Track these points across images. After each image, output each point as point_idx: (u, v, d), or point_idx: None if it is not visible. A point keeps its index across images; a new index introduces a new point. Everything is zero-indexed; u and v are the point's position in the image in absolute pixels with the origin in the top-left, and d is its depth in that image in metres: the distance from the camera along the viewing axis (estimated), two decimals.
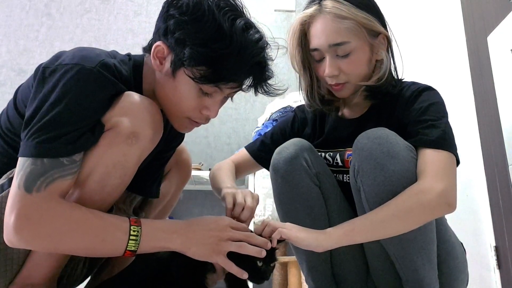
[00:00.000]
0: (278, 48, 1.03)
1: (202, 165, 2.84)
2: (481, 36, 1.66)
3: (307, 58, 1.14)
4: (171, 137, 1.20)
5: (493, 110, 1.55)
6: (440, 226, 0.99)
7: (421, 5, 2.13)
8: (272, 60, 0.98)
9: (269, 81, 0.99)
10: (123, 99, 0.87)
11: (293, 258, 2.07)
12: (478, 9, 1.71)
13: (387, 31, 1.11)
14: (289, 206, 1.07)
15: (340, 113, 1.24)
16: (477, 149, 1.69)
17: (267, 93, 1.01)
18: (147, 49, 1.00)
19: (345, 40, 1.04)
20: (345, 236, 0.92)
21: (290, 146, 1.07)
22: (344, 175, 1.14)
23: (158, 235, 0.89)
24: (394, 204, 0.89)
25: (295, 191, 1.05)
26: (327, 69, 1.07)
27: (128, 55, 1.02)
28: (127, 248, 0.84)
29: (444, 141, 0.96)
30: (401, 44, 2.16)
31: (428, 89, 1.08)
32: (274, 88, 1.01)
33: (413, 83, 1.13)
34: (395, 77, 1.16)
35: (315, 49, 1.09)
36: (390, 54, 1.13)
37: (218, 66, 0.89)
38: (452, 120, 1.02)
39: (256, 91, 1.00)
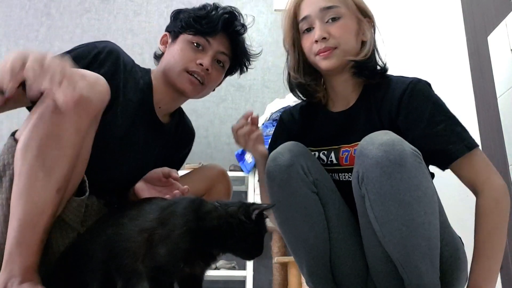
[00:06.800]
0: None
1: (202, 165, 2.84)
2: (481, 36, 1.66)
3: (298, 38, 1.20)
4: (178, 138, 1.36)
5: (493, 110, 1.55)
6: (444, 228, 0.98)
7: (421, 5, 2.13)
8: (241, 14, 1.31)
9: (244, 36, 1.32)
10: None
11: (293, 258, 2.07)
12: (478, 9, 1.71)
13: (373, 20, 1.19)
14: (286, 214, 1.06)
15: (327, 107, 1.23)
16: None
17: (245, 53, 1.33)
18: (156, 55, 1.36)
19: (336, 4, 1.12)
20: (494, 282, 0.99)
21: (285, 152, 1.06)
22: (340, 173, 1.13)
23: None
24: (496, 228, 1.00)
25: (292, 199, 1.04)
26: (316, 32, 1.11)
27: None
28: None
29: (469, 138, 1.03)
30: (402, 44, 2.16)
31: (419, 82, 1.09)
32: (252, 51, 1.35)
33: (400, 76, 1.15)
34: (381, 63, 1.19)
35: (305, 18, 1.14)
36: (374, 40, 1.18)
37: (202, 22, 1.24)
38: None
39: (236, 53, 1.30)
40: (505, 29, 1.46)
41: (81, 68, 1.02)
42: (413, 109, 1.05)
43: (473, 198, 1.06)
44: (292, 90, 1.25)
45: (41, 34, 3.25)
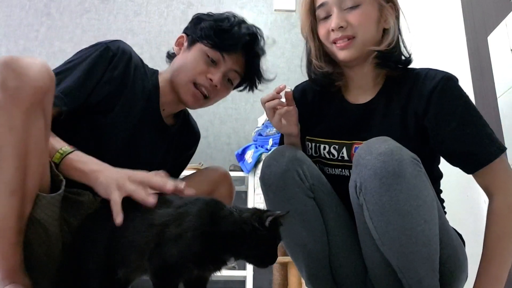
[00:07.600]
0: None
1: (202, 165, 2.83)
2: (481, 36, 1.66)
3: (316, 25, 1.13)
4: (182, 141, 1.33)
5: (493, 110, 1.55)
6: (442, 231, 0.97)
7: (421, 5, 2.13)
8: (263, 38, 1.29)
9: (261, 61, 1.30)
10: None
11: None
12: (478, 9, 1.71)
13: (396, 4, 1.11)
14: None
15: (344, 96, 1.17)
16: None
17: (258, 76, 1.30)
18: (169, 54, 1.33)
19: None
20: None
21: (280, 158, 1.03)
22: (350, 170, 1.08)
23: (84, 158, 0.98)
24: (507, 234, 0.97)
25: (289, 206, 1.01)
26: (334, 20, 1.05)
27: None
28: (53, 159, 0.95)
29: (498, 140, 0.99)
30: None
31: (450, 79, 1.04)
32: (266, 76, 1.33)
33: (428, 69, 1.09)
34: (406, 53, 1.13)
35: (322, 5, 1.08)
36: (398, 27, 1.10)
37: (222, 37, 1.20)
38: None
39: (250, 75, 1.29)
40: (505, 29, 1.46)
41: (99, 73, 1.11)
42: (443, 108, 1.01)
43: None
44: (313, 80, 1.18)
45: (41, 34, 3.25)
